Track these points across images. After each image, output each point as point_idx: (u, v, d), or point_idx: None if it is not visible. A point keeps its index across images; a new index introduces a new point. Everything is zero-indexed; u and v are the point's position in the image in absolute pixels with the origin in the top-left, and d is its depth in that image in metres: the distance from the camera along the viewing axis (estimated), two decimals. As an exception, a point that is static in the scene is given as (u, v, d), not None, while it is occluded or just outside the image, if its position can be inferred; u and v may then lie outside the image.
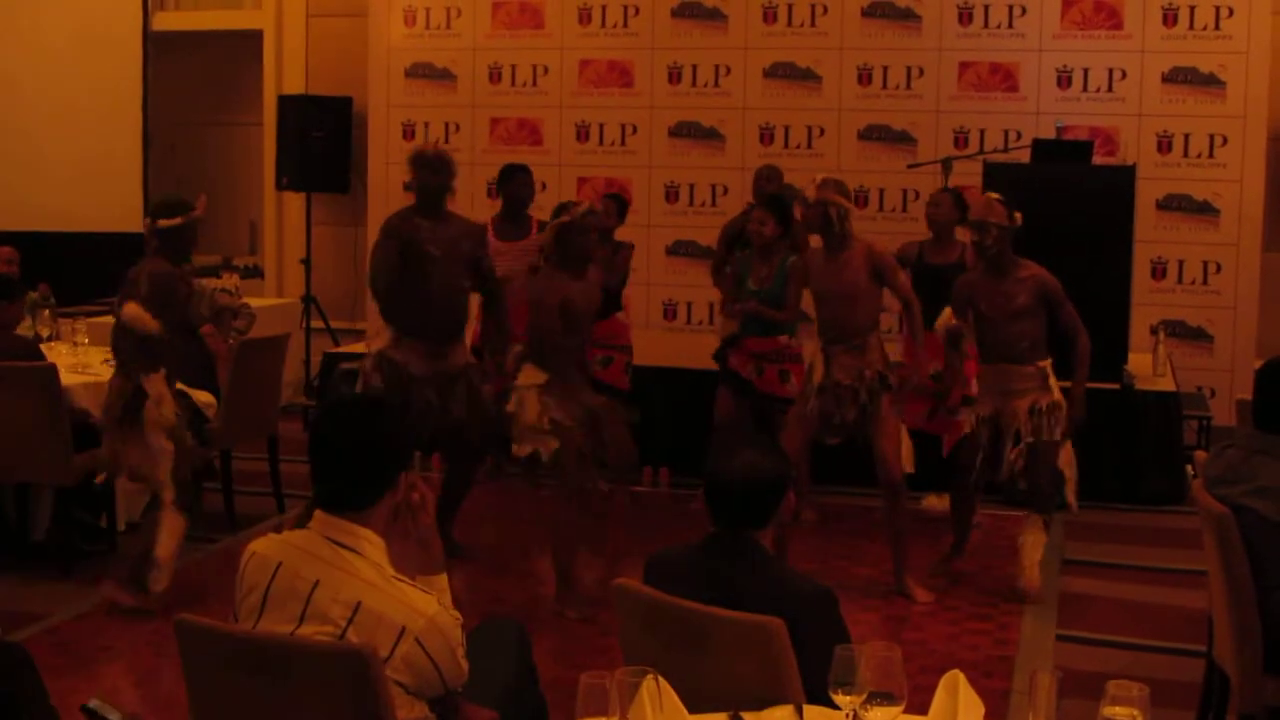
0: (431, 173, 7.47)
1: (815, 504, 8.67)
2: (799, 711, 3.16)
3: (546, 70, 11.90)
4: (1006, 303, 7.01)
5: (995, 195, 7.12)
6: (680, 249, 11.32)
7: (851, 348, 7.26)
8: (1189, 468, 8.22)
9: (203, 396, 8.38)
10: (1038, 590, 7.09)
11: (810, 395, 7.34)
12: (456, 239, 7.54)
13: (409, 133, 12.18)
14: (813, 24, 11.34)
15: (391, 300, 7.52)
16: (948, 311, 7.28)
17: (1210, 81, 10.64)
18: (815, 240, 7.59)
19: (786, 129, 11.40)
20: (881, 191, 11.21)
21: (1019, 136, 10.55)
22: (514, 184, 9.09)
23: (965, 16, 11.03)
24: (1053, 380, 7.06)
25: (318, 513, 3.42)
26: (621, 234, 9.18)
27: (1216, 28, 10.60)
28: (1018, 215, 7.01)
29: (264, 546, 3.45)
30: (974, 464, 7.22)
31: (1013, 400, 7.07)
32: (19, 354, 7.58)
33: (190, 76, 13.53)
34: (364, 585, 3.30)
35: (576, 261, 7.12)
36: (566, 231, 7.08)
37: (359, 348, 9.73)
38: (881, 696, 2.94)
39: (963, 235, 8.14)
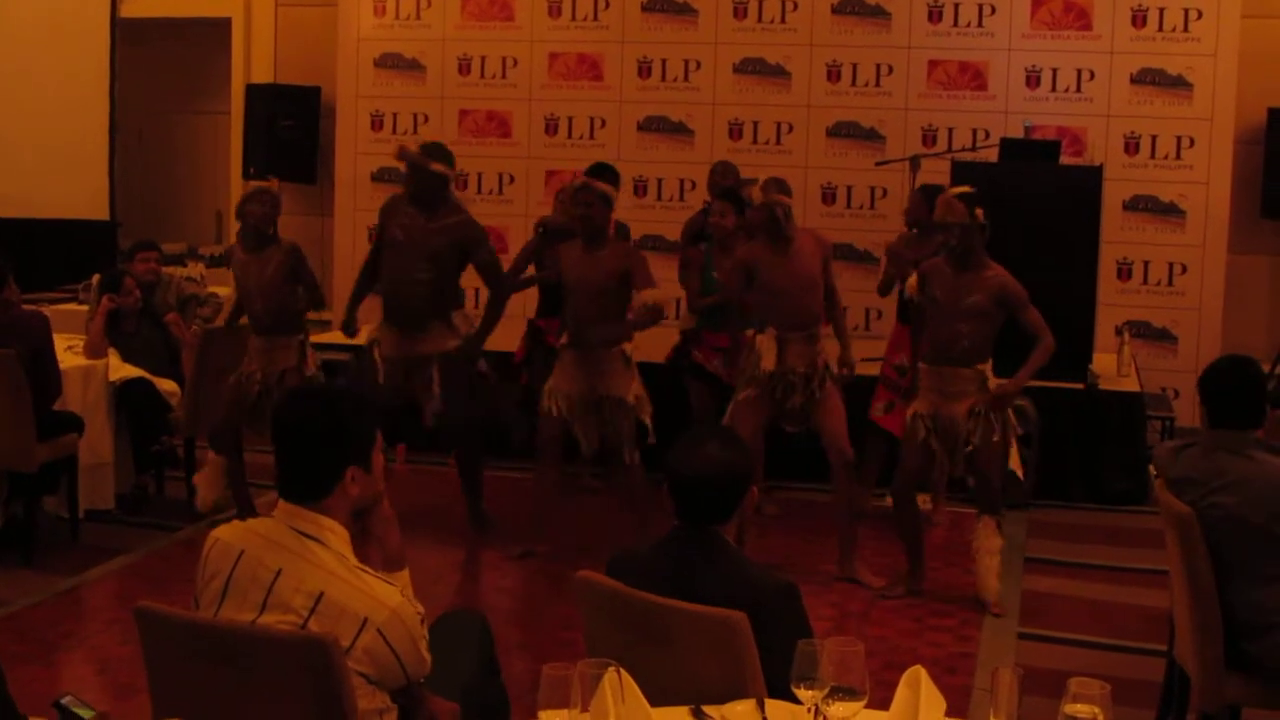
0: (426, 161, 7.66)
1: (776, 498, 8.68)
2: (761, 706, 3.16)
3: (516, 63, 11.88)
4: (960, 298, 6.94)
5: (956, 191, 7.08)
6: (648, 243, 11.29)
7: (807, 336, 7.37)
8: (1151, 467, 8.26)
9: (167, 385, 8.37)
10: (997, 600, 7.03)
11: (760, 381, 7.39)
12: (433, 232, 7.64)
13: (377, 123, 12.16)
14: (783, 20, 11.35)
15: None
16: (914, 279, 7.24)
17: (1178, 83, 10.69)
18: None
19: (755, 124, 11.41)
20: (850, 188, 11.22)
21: (987, 135, 10.57)
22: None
23: (935, 15, 11.06)
24: (992, 383, 7.00)
25: (280, 502, 3.41)
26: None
27: (1185, 30, 10.65)
28: (979, 211, 6.93)
29: (227, 534, 3.44)
30: (914, 466, 7.15)
31: (951, 403, 7.02)
32: (16, 329, 7.45)
33: (158, 64, 13.49)
34: (326, 575, 3.29)
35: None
36: None
37: (326, 337, 9.71)
38: (844, 691, 2.93)
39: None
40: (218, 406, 8.05)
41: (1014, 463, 7.10)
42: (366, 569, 3.35)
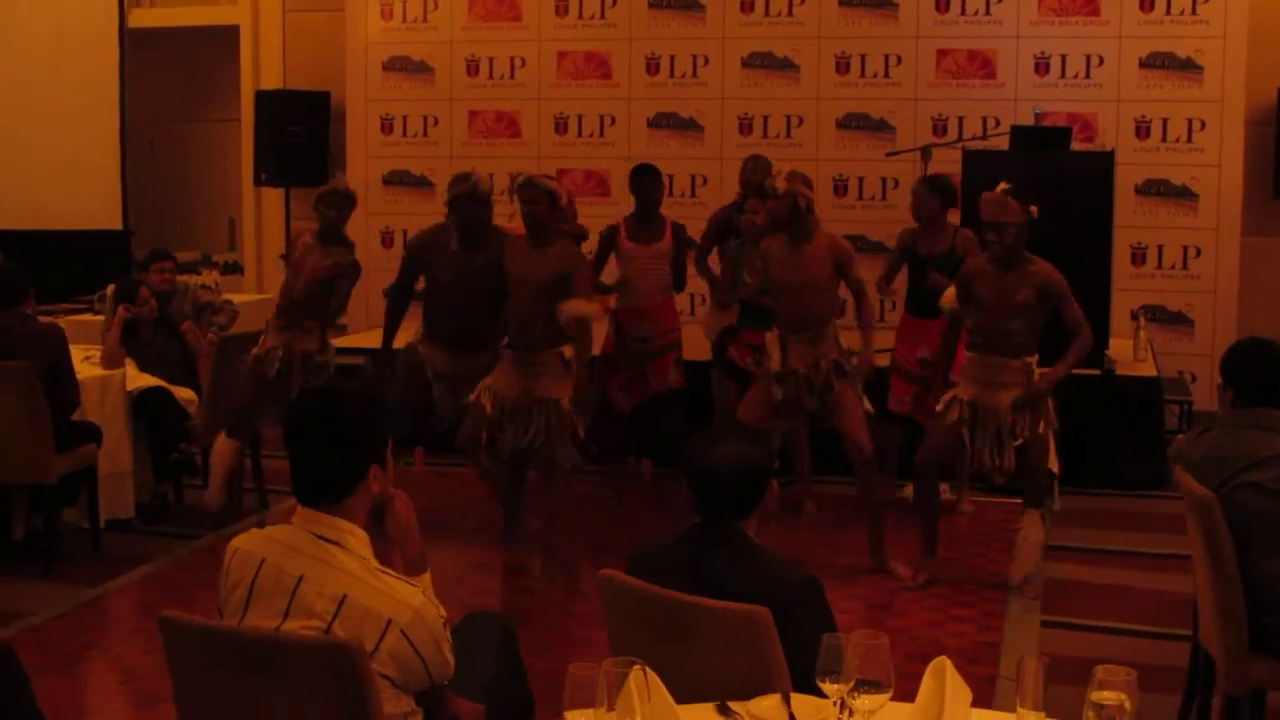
0: (470, 205, 7.66)
1: (815, 494, 8.65)
2: (786, 700, 3.16)
3: (524, 62, 11.88)
4: (1008, 296, 6.89)
5: (1004, 187, 6.97)
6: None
7: (809, 338, 7.33)
8: (1169, 452, 8.24)
9: (184, 393, 8.37)
10: (1021, 582, 7.04)
11: (770, 381, 7.39)
12: (480, 270, 7.69)
13: (387, 127, 12.17)
14: (790, 13, 11.33)
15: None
16: (952, 291, 7.21)
17: (1188, 66, 10.66)
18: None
19: (765, 119, 11.40)
20: (861, 180, 11.21)
21: (997, 124, 10.55)
22: (640, 184, 8.85)
23: (942, 4, 11.04)
24: (1037, 375, 6.97)
25: (299, 508, 3.41)
26: (601, 223, 9.09)
27: (1193, 12, 10.62)
28: (1033, 209, 6.85)
29: (246, 543, 3.44)
30: (940, 445, 7.12)
31: (996, 392, 6.97)
32: (32, 341, 7.47)
33: (167, 73, 13.50)
34: (349, 578, 3.29)
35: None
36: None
37: (341, 342, 9.72)
38: (869, 684, 2.93)
39: (954, 217, 8.21)
40: (237, 395, 8.23)
41: (1052, 461, 7.03)
42: (388, 571, 3.36)
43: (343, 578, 3.29)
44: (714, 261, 8.99)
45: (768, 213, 7.66)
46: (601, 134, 11.73)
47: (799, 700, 3.15)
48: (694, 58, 11.54)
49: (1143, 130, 10.74)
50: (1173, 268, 10.77)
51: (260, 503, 8.60)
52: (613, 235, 8.81)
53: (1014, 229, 6.81)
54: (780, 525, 8.19)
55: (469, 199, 7.64)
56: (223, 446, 8.18)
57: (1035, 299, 6.86)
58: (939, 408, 7.16)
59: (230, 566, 3.44)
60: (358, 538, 3.38)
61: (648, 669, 3.02)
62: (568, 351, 7.38)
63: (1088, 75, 10.81)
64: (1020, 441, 6.94)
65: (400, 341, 8.16)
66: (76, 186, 12.49)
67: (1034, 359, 6.99)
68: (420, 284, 8.05)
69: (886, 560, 7.39)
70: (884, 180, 11.12)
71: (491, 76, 11.96)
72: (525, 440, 7.39)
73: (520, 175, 7.51)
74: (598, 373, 8.50)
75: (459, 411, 7.74)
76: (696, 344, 9.07)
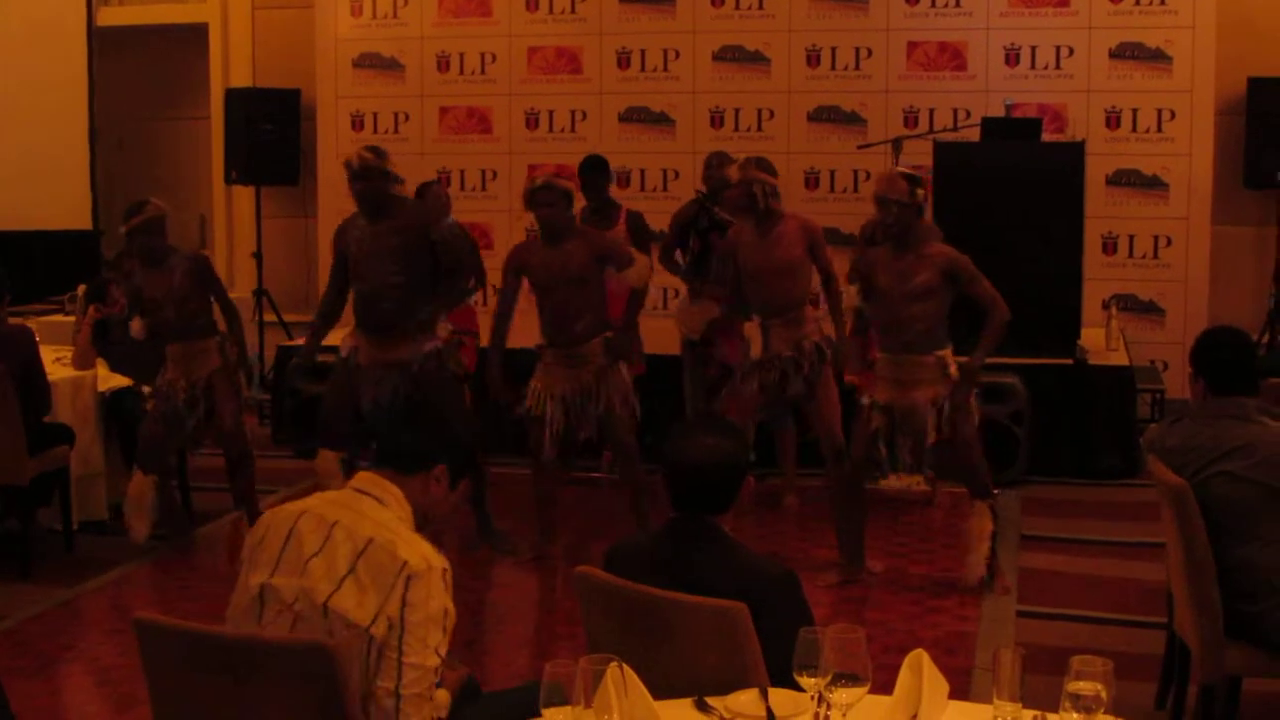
0: (357, 180, 7.46)
1: (798, 488, 8.63)
2: (764, 695, 3.16)
3: (494, 58, 11.87)
4: (905, 280, 6.73)
5: (901, 170, 6.94)
6: (632, 234, 11.30)
7: (788, 320, 7.36)
8: (1142, 441, 8.27)
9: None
10: (981, 581, 6.92)
11: (751, 371, 7.40)
12: (383, 234, 7.47)
13: (358, 123, 12.14)
14: (760, 6, 11.34)
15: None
16: (853, 290, 7.07)
17: (1157, 56, 10.69)
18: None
19: (737, 112, 11.40)
20: (833, 173, 11.22)
21: (968, 115, 10.55)
22: (588, 177, 9.03)
23: (913, -4, 11.06)
24: (953, 369, 6.80)
25: (360, 473, 3.58)
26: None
27: (1162, 3, 10.65)
28: (920, 191, 6.74)
29: (291, 504, 3.57)
30: (861, 456, 6.97)
31: (910, 391, 6.83)
32: (2, 343, 7.42)
33: (136, 71, 13.45)
34: (378, 526, 3.41)
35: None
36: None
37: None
38: (846, 677, 2.94)
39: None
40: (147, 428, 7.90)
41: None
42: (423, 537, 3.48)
43: (372, 525, 3.41)
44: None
45: (727, 202, 7.68)
46: (573, 129, 11.72)
47: (776, 694, 3.15)
48: (665, 51, 11.54)
49: (1113, 120, 10.77)
50: (1144, 257, 10.80)
51: (235, 502, 8.56)
52: None
53: (897, 207, 6.69)
54: (759, 519, 8.21)
55: (354, 178, 7.44)
56: (138, 484, 7.78)
57: (937, 280, 6.70)
58: (859, 416, 7.03)
59: (271, 527, 3.52)
60: (400, 503, 3.51)
61: (625, 666, 3.02)
62: (610, 336, 7.51)
63: (1058, 66, 10.84)
64: (939, 438, 6.80)
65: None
66: (46, 186, 12.44)
67: (946, 353, 6.84)
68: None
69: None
70: (855, 173, 11.13)
71: (462, 72, 11.94)
72: (596, 418, 7.47)
73: (535, 178, 7.47)
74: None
75: (380, 403, 7.47)
76: (662, 337, 9.05)
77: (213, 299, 7.84)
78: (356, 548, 3.36)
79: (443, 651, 3.39)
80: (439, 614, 3.36)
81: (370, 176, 7.39)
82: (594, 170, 9.02)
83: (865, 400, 6.99)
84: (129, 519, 7.82)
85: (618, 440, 7.58)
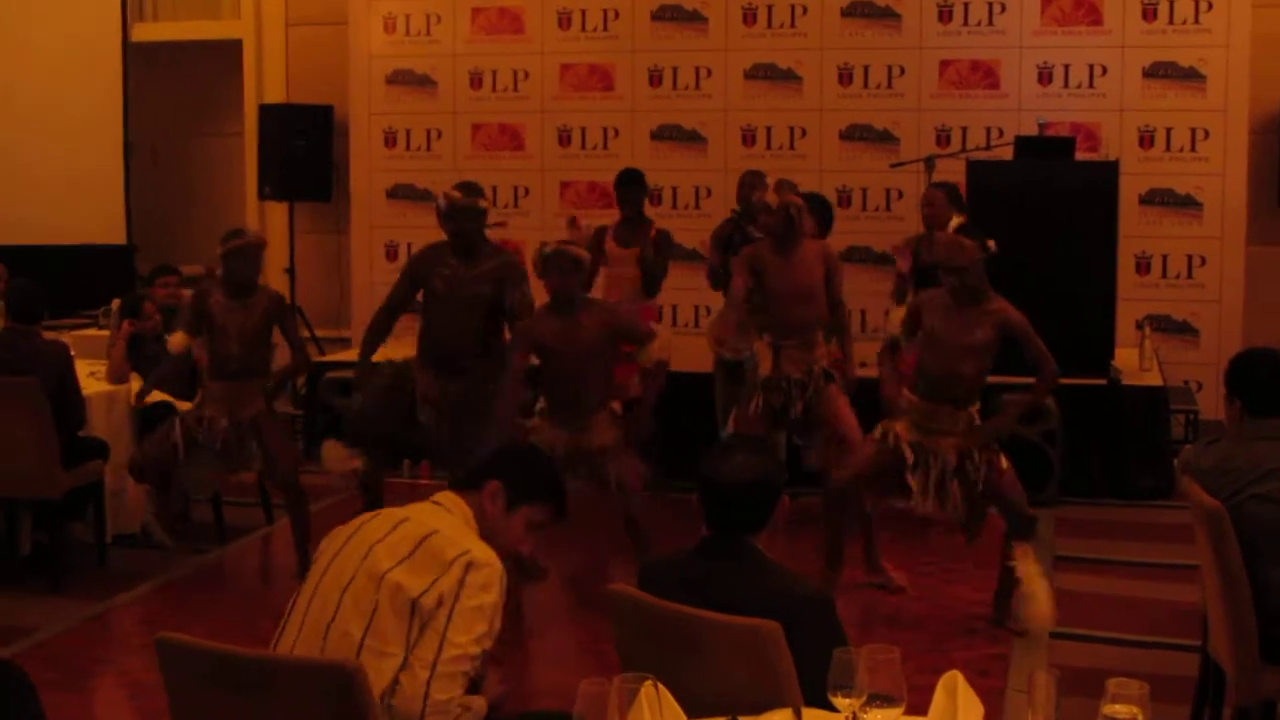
0: (448, 221, 7.35)
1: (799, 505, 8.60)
2: (798, 715, 3.15)
3: (527, 75, 11.89)
4: (964, 333, 6.58)
5: (957, 223, 6.70)
6: (664, 252, 11.30)
7: (801, 343, 7.37)
8: (1176, 462, 8.23)
9: (189, 408, 8.35)
10: (1049, 621, 6.58)
11: (757, 390, 7.39)
12: (474, 280, 7.35)
13: (391, 140, 12.18)
14: (792, 25, 11.34)
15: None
16: (899, 315, 6.96)
17: (1191, 75, 10.66)
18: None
19: (768, 130, 11.40)
20: (865, 191, 11.21)
21: (1001, 134, 10.54)
22: (623, 190, 9.10)
23: (945, 14, 11.04)
24: (977, 423, 6.67)
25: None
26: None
27: (1196, 21, 10.62)
28: (990, 243, 6.56)
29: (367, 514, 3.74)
30: (868, 466, 6.79)
31: (937, 438, 6.66)
32: (37, 357, 7.47)
33: (171, 88, 13.52)
34: (440, 523, 3.56)
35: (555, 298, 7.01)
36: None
37: (346, 355, 9.72)
38: (881, 698, 2.93)
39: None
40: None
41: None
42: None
43: (435, 522, 3.57)
44: None
45: (762, 227, 7.67)
46: (605, 146, 11.73)
47: (810, 715, 3.14)
48: (697, 69, 11.55)
49: (1146, 140, 10.74)
50: (1177, 277, 10.76)
51: (266, 518, 8.57)
52: (600, 239, 9.02)
53: (974, 271, 6.52)
54: (791, 537, 8.18)
55: (457, 215, 7.33)
56: (135, 491, 7.76)
57: (993, 337, 6.56)
58: (874, 435, 6.87)
59: (338, 533, 3.66)
60: (465, 514, 3.65)
61: (659, 684, 3.02)
62: (616, 406, 7.20)
63: (1091, 85, 10.82)
64: (976, 487, 6.61)
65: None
66: (80, 201, 12.51)
67: (975, 409, 6.71)
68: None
69: (883, 570, 7.37)
70: (888, 191, 11.12)
71: (494, 89, 11.97)
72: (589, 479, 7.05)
73: (546, 245, 7.27)
74: None
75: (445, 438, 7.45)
76: (694, 355, 9.05)
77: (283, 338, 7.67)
78: (420, 535, 3.49)
79: (486, 646, 3.46)
80: (490, 609, 3.45)
81: (459, 217, 7.30)
82: (631, 183, 9.11)
83: (882, 425, 6.83)
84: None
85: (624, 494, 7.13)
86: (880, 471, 6.81)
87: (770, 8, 11.36)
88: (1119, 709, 2.77)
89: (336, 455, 7.49)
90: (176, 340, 7.72)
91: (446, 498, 3.70)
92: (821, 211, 8.35)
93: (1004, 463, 6.65)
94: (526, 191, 11.92)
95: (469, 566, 3.43)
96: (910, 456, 6.67)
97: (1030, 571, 6.61)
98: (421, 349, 7.55)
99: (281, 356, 8.14)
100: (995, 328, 6.55)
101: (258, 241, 7.65)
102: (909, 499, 6.75)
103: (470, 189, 7.38)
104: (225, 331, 7.49)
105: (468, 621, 3.41)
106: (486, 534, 3.63)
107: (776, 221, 7.36)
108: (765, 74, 11.41)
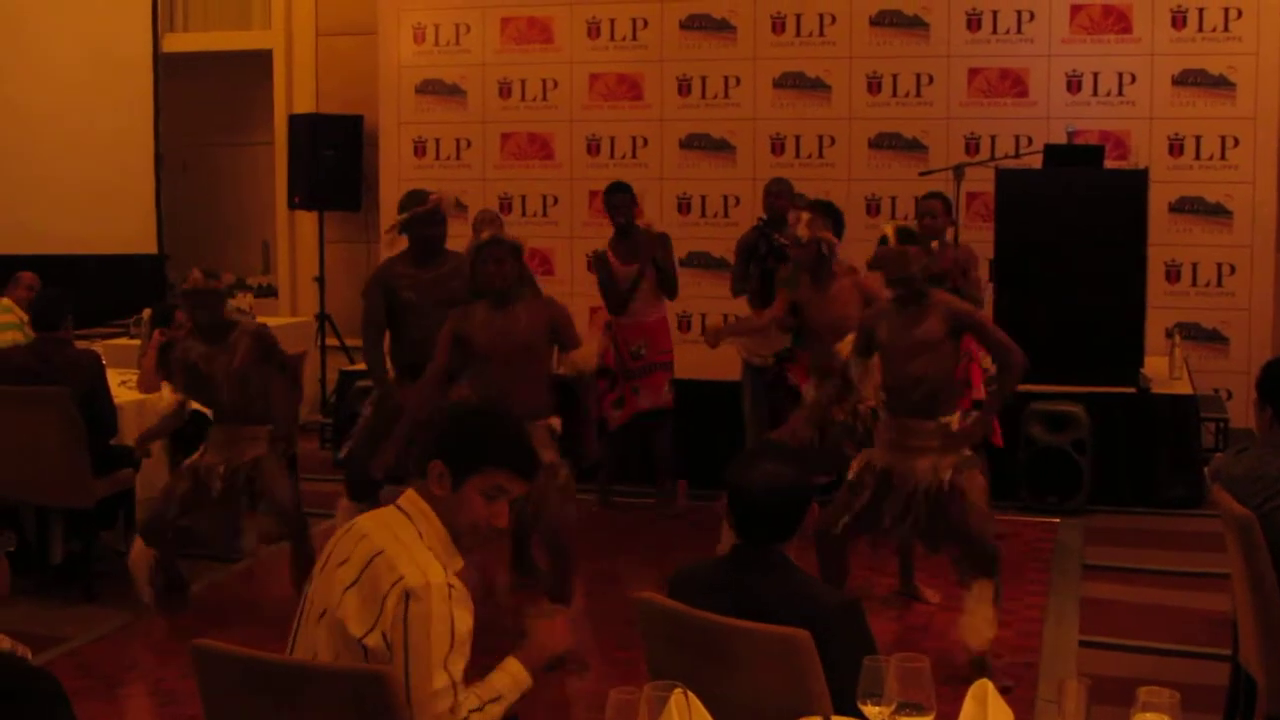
0: (425, 226, 7.40)
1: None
2: (827, 723, 3.16)
3: (556, 84, 11.91)
4: (910, 331, 6.27)
5: (893, 230, 6.41)
6: (693, 260, 11.29)
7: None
8: (1206, 470, 8.19)
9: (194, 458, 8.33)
10: (979, 666, 6.11)
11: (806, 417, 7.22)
12: (441, 281, 7.35)
13: (420, 149, 12.21)
14: (821, 33, 11.34)
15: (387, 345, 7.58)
16: (850, 340, 6.62)
17: (1220, 83, 10.64)
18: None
19: (797, 139, 11.41)
20: (894, 199, 11.21)
21: (1030, 142, 10.54)
22: (609, 204, 9.07)
23: (974, 23, 11.04)
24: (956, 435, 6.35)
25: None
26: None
27: (1226, 29, 10.60)
28: (934, 244, 6.57)
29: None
30: (845, 509, 6.36)
31: (911, 458, 6.27)
32: (68, 367, 7.52)
33: (201, 97, 13.57)
34: (390, 539, 3.42)
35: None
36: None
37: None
38: (911, 707, 2.93)
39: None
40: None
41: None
42: (433, 549, 3.43)
43: (389, 538, 3.43)
44: None
45: (796, 261, 7.67)
46: (634, 155, 11.74)
47: (840, 723, 3.15)
48: (725, 78, 11.55)
49: (1176, 148, 10.72)
50: (1207, 285, 10.73)
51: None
52: (605, 261, 8.98)
53: (920, 274, 6.26)
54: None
55: (421, 221, 7.36)
56: (139, 553, 7.25)
57: (941, 329, 6.21)
58: (850, 475, 6.50)
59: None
60: (427, 519, 3.48)
61: (689, 692, 3.02)
62: (555, 423, 6.68)
63: (1120, 93, 10.80)
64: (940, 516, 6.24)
65: None
66: (111, 211, 12.57)
67: (951, 419, 6.35)
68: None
69: (917, 588, 7.35)
70: (916, 200, 11.08)
71: (524, 99, 12.00)
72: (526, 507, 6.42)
73: (481, 227, 7.08)
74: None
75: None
76: (721, 361, 9.05)
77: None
78: (369, 555, 3.40)
79: (455, 666, 3.33)
80: (444, 629, 3.32)
81: (416, 225, 7.43)
82: (618, 193, 9.03)
83: (857, 465, 6.50)
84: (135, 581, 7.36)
85: (553, 539, 6.70)
86: (860, 511, 6.38)
87: (799, 16, 11.37)
88: (1150, 717, 2.77)
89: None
90: (166, 398, 7.57)
91: (407, 497, 3.51)
92: (834, 219, 8.34)
93: (980, 481, 6.27)
94: (555, 200, 11.94)
95: (407, 597, 3.29)
96: (872, 483, 6.35)
97: (976, 611, 6.22)
98: (399, 364, 7.48)
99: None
100: (943, 320, 6.23)
101: (206, 286, 7.24)
102: (885, 532, 6.48)
103: (412, 197, 7.48)
104: (212, 379, 7.27)
105: (424, 658, 3.29)
106: (448, 521, 3.48)
107: (808, 257, 7.39)
108: (794, 83, 11.42)
